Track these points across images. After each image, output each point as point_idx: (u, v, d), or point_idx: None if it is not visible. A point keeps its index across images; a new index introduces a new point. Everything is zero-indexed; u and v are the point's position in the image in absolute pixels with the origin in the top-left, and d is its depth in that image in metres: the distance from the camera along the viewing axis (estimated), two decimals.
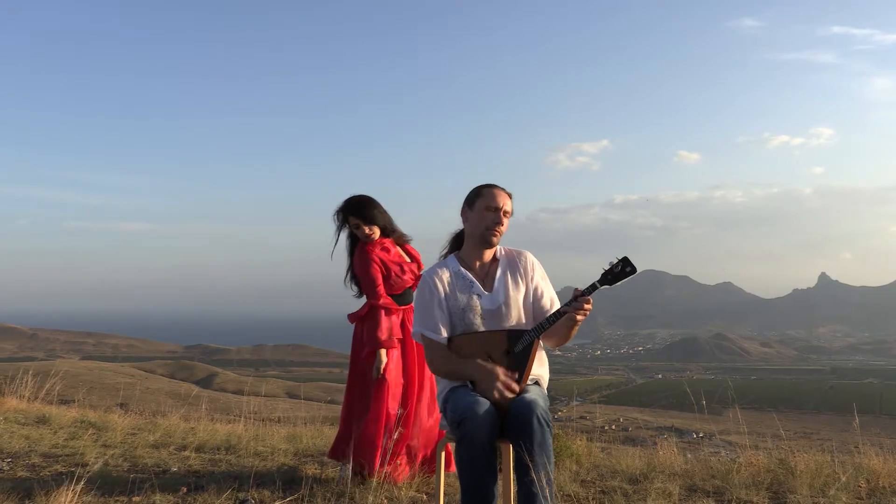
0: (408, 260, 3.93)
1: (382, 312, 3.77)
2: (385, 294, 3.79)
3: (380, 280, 3.78)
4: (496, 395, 2.63)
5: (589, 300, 2.65)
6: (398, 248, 3.93)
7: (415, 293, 2.97)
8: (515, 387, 2.66)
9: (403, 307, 3.87)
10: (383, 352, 3.72)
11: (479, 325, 2.84)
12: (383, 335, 3.73)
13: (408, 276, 3.87)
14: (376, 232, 3.82)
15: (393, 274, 3.82)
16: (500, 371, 2.69)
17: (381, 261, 3.80)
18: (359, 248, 3.84)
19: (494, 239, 2.89)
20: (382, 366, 3.71)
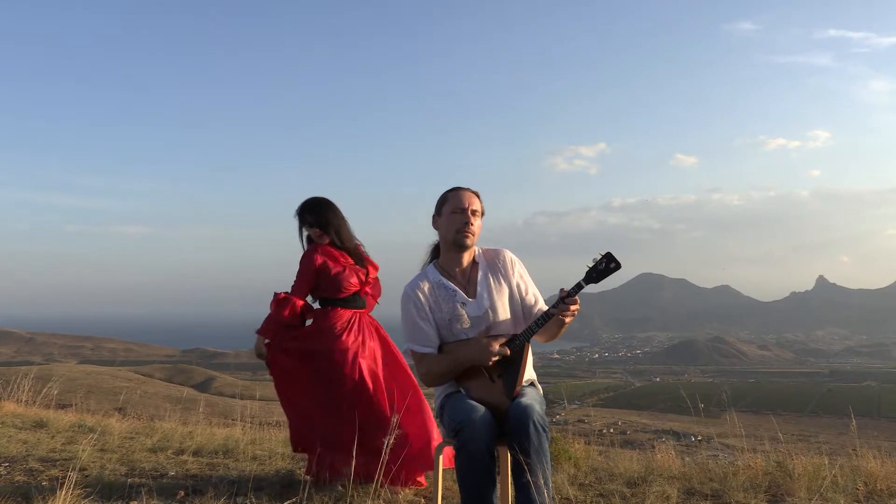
0: (358, 266, 3.91)
1: (281, 304, 3.77)
2: (302, 297, 3.80)
3: (308, 280, 3.79)
4: (497, 356, 2.68)
5: (576, 300, 2.63)
6: (347, 258, 3.90)
7: (400, 309, 2.94)
8: (506, 350, 2.71)
9: (358, 310, 3.87)
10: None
11: (467, 333, 2.82)
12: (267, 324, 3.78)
13: (353, 280, 3.84)
14: (326, 240, 3.85)
15: (334, 272, 3.79)
16: (486, 338, 2.73)
17: (325, 261, 3.80)
18: (307, 249, 3.87)
19: (467, 241, 2.86)
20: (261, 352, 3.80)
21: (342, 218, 3.91)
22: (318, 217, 3.84)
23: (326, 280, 3.79)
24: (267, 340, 3.80)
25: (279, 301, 3.75)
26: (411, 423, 3.69)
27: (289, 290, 3.82)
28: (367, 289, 3.97)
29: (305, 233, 3.91)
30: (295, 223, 3.91)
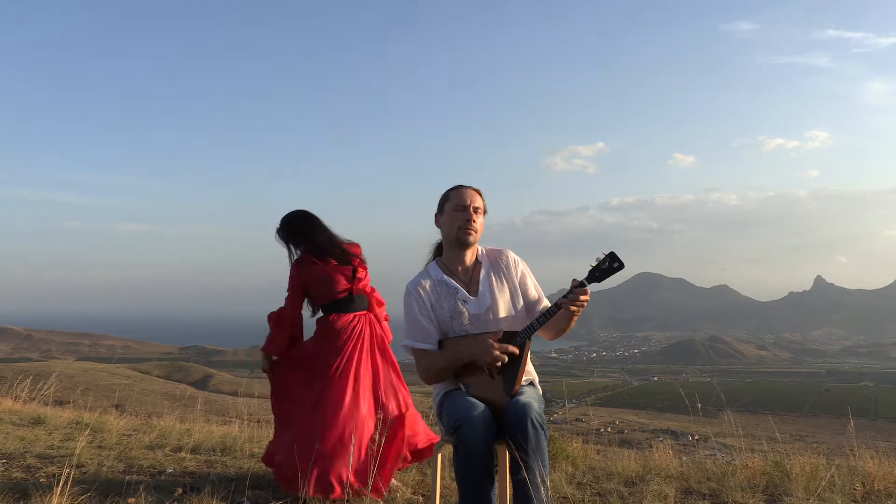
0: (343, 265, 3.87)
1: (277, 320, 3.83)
2: (294, 308, 3.83)
3: (296, 293, 3.82)
4: (497, 362, 2.66)
5: (586, 292, 2.62)
6: (332, 262, 3.86)
7: (402, 306, 2.94)
8: (512, 348, 2.68)
9: (359, 312, 3.84)
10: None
11: (468, 331, 2.82)
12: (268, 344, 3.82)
13: (341, 281, 3.82)
14: (300, 251, 3.86)
15: (317, 276, 3.78)
16: (490, 338, 2.72)
17: (306, 269, 3.80)
18: (292, 266, 3.87)
19: (469, 238, 2.86)
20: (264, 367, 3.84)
21: (319, 227, 3.89)
22: (291, 231, 3.88)
23: (313, 287, 3.80)
24: (274, 358, 3.83)
25: (274, 318, 3.82)
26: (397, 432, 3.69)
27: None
28: (361, 286, 3.90)
29: (289, 248, 3.95)
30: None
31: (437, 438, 3.77)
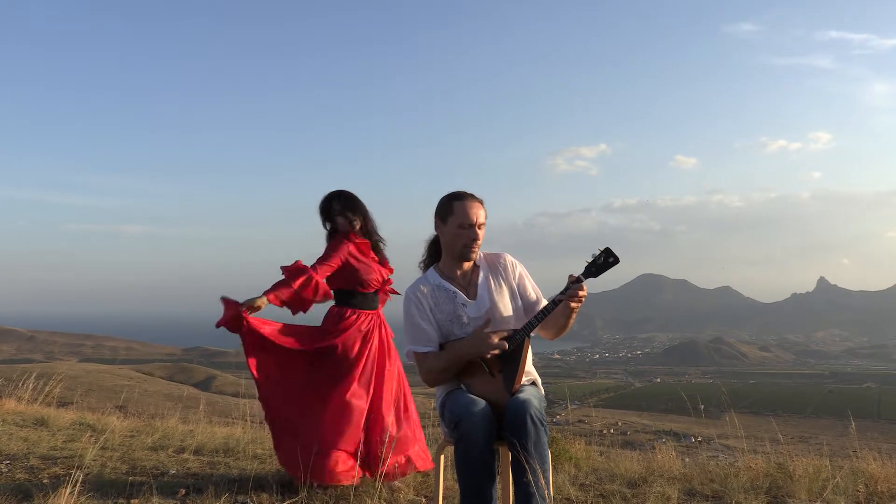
0: (377, 264, 3.85)
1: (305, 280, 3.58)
2: (326, 273, 3.65)
3: (334, 266, 3.66)
4: (497, 350, 2.69)
5: (583, 287, 2.64)
6: (373, 253, 3.86)
7: (402, 311, 2.95)
8: (504, 345, 2.71)
9: (371, 311, 3.80)
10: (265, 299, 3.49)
11: (467, 333, 2.83)
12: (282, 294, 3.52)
13: (377, 276, 3.79)
14: (357, 224, 3.78)
15: (361, 262, 3.73)
16: (485, 331, 2.74)
17: (352, 254, 3.72)
18: (336, 238, 3.76)
19: (473, 255, 2.89)
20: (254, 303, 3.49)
21: (367, 210, 3.86)
22: (346, 205, 3.77)
23: (350, 270, 3.70)
24: (263, 305, 3.51)
25: (294, 273, 3.55)
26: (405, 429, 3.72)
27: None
28: (388, 287, 3.91)
29: (330, 225, 3.83)
30: (318, 217, 3.81)
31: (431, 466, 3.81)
